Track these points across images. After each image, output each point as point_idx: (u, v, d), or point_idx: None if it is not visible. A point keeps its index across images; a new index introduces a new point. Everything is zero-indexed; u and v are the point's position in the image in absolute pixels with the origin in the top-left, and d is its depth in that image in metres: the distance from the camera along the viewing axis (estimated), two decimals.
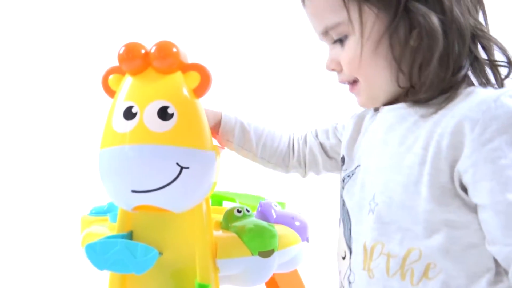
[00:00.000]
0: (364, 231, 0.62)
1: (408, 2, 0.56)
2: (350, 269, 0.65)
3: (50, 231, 1.88)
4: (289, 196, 1.26)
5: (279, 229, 0.81)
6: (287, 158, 0.85)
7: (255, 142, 0.80)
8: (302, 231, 0.88)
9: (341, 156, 0.74)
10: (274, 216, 0.88)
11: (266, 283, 1.12)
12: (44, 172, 1.96)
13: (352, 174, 0.68)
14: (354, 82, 0.64)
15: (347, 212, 0.67)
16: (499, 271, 0.56)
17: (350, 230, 0.66)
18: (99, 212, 0.97)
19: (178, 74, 0.68)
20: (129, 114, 0.65)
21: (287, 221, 0.88)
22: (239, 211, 0.81)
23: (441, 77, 0.56)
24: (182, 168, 0.63)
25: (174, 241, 0.71)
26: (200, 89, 0.68)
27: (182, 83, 0.67)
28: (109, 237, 0.69)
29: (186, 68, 0.68)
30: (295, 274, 1.04)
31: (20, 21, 1.96)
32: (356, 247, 0.64)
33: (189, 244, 0.71)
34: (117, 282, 0.70)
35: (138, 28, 1.89)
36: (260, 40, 1.92)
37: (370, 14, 0.58)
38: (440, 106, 0.57)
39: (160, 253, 0.70)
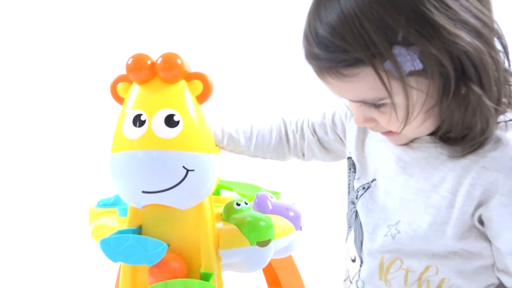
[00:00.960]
0: (379, 250, 0.67)
1: (460, 81, 0.56)
2: (359, 276, 0.71)
3: (56, 223, 1.95)
4: (284, 184, 1.34)
5: (275, 219, 0.88)
6: (281, 152, 0.87)
7: (246, 146, 0.83)
8: (296, 221, 0.95)
9: (349, 156, 0.77)
10: (270, 208, 0.95)
11: (263, 268, 1.20)
12: (52, 166, 2.03)
13: (368, 188, 0.71)
14: (392, 131, 0.64)
15: (360, 225, 0.71)
16: (500, 285, 0.65)
17: (361, 242, 0.71)
18: (106, 204, 1.04)
19: (182, 83, 0.73)
20: (138, 121, 0.71)
21: (282, 212, 0.95)
22: (238, 204, 0.88)
23: (482, 131, 0.59)
24: (188, 170, 0.70)
25: (180, 234, 0.78)
26: (203, 97, 0.74)
27: (186, 91, 0.73)
28: (121, 232, 0.76)
29: (189, 77, 0.74)
30: (289, 259, 1.12)
31: (31, 27, 2.02)
32: (370, 260, 0.69)
33: (194, 236, 0.78)
34: (128, 272, 0.77)
35: (142, 30, 1.94)
36: (253, 37, 1.97)
37: (419, 95, 0.57)
38: (468, 150, 0.60)
39: (168, 245, 0.77)
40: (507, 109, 0.61)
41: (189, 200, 0.73)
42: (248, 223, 0.82)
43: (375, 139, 0.73)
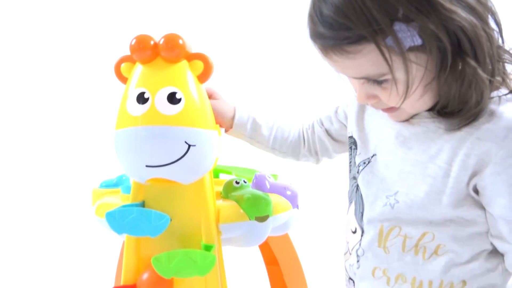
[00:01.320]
0: (378, 218, 0.71)
1: (457, 55, 0.59)
2: (360, 245, 0.74)
3: (59, 206, 1.99)
4: (280, 169, 1.37)
5: (273, 197, 0.92)
6: (297, 148, 0.93)
7: (266, 135, 0.89)
8: (293, 200, 0.98)
9: (350, 135, 0.81)
10: (268, 187, 0.98)
11: (260, 246, 1.23)
12: (53, 150, 2.07)
13: (368, 162, 0.75)
14: (393, 107, 0.67)
15: (361, 197, 0.74)
16: (493, 250, 0.68)
17: (362, 213, 0.74)
18: (108, 185, 1.07)
19: (184, 63, 0.77)
20: (141, 99, 0.74)
21: (280, 190, 0.98)
22: (237, 182, 0.91)
23: (477, 103, 0.62)
24: (189, 146, 0.73)
25: (182, 209, 0.81)
26: (204, 76, 0.77)
27: (187, 71, 0.76)
28: (125, 206, 0.79)
29: (190, 57, 0.77)
30: (286, 238, 1.16)
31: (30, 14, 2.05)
32: (370, 229, 0.72)
33: (195, 211, 0.81)
34: (132, 244, 0.80)
35: (144, 20, 1.97)
36: (259, 36, 2.00)
37: (418, 69, 0.60)
38: (464, 123, 0.63)
39: (170, 219, 0.80)
40: (500, 86, 0.64)
41: (191, 174, 0.77)
42: (247, 199, 0.85)
43: (375, 116, 0.76)
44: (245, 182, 0.93)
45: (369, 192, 0.73)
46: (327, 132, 0.91)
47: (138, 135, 0.73)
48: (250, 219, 0.84)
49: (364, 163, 0.76)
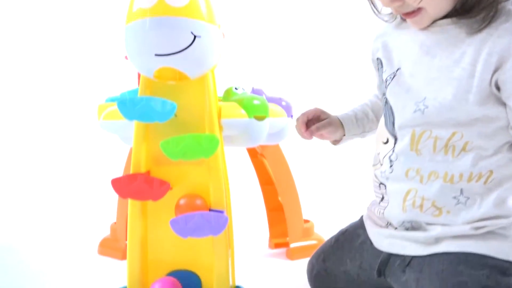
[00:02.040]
0: (410, 124, 0.76)
1: None
2: (394, 151, 0.80)
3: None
4: None
5: (270, 105, 0.99)
6: None
7: (370, 123, 0.96)
8: (287, 109, 1.06)
9: (376, 57, 0.86)
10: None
11: (256, 167, 1.30)
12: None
13: (394, 76, 0.80)
14: (416, 10, 0.72)
15: (391, 108, 0.80)
16: None
17: (393, 122, 0.80)
18: (113, 100, 1.13)
19: None
20: None
21: (276, 101, 1.05)
22: (236, 88, 0.98)
23: None
24: (195, 36, 0.79)
25: (187, 105, 0.87)
26: None
27: None
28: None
29: None
30: (281, 156, 1.23)
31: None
32: (403, 134, 0.78)
33: (199, 107, 0.87)
34: (142, 133, 0.87)
35: None
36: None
37: None
38: (484, 24, 0.68)
39: (175, 116, 0.86)
40: None
41: (197, 66, 0.83)
42: (246, 99, 0.92)
43: (397, 34, 0.83)
44: (243, 89, 1.00)
45: (398, 102, 0.79)
46: (378, 97, 0.98)
47: (148, 26, 0.79)
48: (249, 117, 0.91)
49: (390, 77, 0.82)
